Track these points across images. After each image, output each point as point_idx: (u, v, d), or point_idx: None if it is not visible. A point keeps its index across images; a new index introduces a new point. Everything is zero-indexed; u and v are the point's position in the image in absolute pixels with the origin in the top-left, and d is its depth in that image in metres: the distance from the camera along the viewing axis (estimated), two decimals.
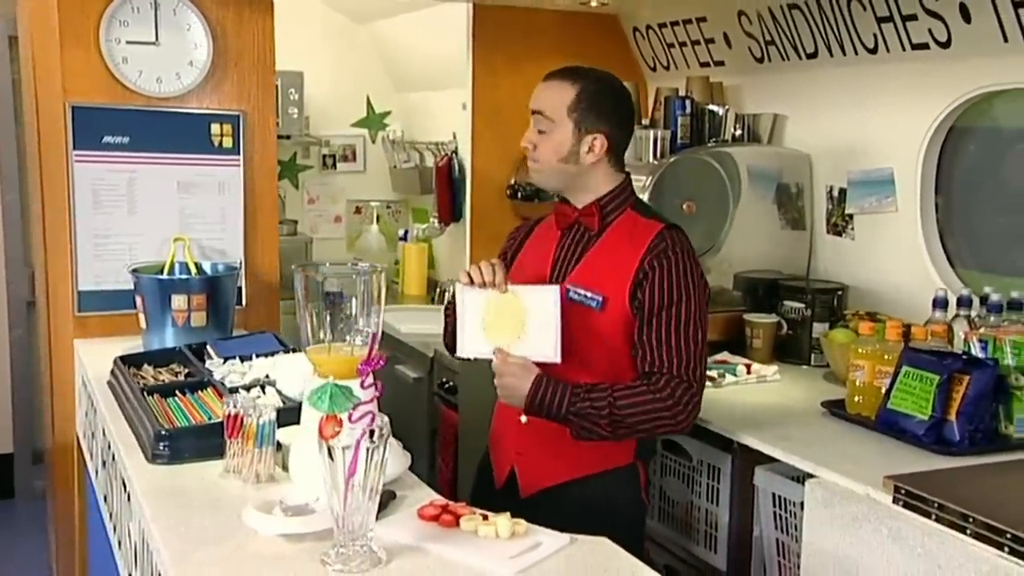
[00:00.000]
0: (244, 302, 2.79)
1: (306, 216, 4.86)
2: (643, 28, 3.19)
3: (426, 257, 4.73)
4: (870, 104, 2.54)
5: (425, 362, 3.60)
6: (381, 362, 1.35)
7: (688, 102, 2.73)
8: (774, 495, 2.12)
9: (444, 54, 4.12)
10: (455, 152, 4.45)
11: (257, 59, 2.80)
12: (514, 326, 1.84)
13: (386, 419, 1.37)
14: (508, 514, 1.48)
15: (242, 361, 2.15)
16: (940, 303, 2.19)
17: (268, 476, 1.66)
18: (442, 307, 4.37)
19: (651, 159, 2.70)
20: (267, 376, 2.03)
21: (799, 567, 1.89)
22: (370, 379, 1.32)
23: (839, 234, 2.67)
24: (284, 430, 1.72)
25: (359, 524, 1.37)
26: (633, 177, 2.74)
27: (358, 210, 5.03)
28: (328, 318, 1.64)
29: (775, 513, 2.13)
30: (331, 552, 1.37)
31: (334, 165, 4.94)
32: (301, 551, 1.39)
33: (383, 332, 1.73)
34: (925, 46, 2.33)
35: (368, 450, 1.34)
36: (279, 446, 1.71)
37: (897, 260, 2.52)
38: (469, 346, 1.89)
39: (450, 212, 4.49)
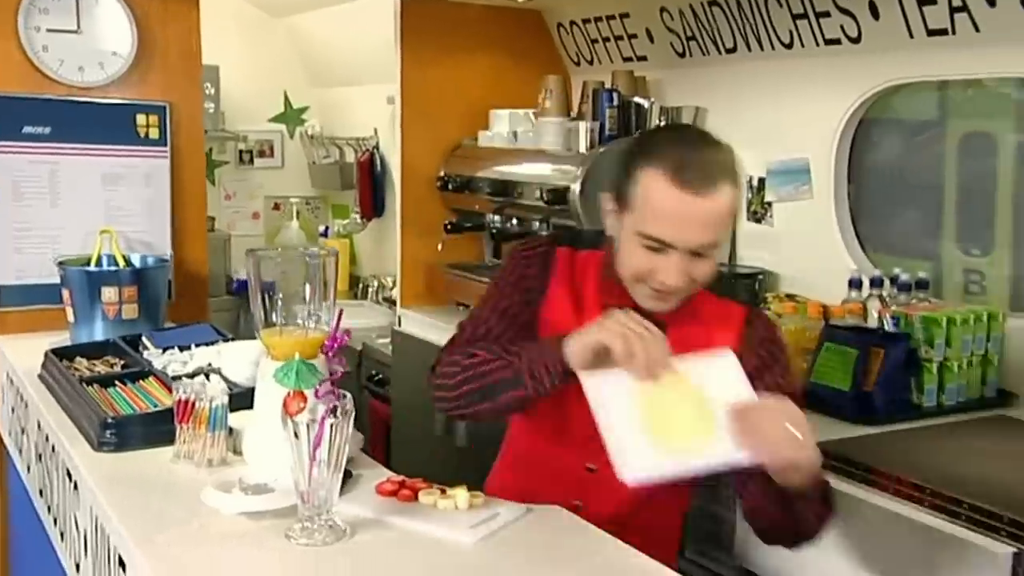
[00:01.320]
0: (173, 296, 2.74)
1: (223, 213, 4.78)
2: (567, 23, 3.27)
3: (348, 253, 4.71)
4: (787, 96, 2.67)
5: (353, 356, 3.61)
6: (346, 338, 1.37)
7: (615, 94, 2.81)
8: None
9: (364, 49, 4.12)
10: (376, 147, 4.46)
11: (183, 50, 2.76)
12: (697, 420, 1.25)
13: (349, 396, 1.39)
14: (465, 487, 1.52)
15: (181, 351, 2.13)
16: (855, 284, 2.33)
17: (221, 460, 1.66)
18: (364, 302, 4.47)
19: (581, 150, 2.77)
20: (210, 364, 2.01)
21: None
22: (336, 354, 1.34)
23: (759, 221, 2.79)
24: (234, 415, 1.72)
25: (323, 499, 1.39)
26: (564, 168, 2.85)
27: (276, 206, 4.98)
28: (279, 302, 1.65)
29: None
30: (295, 527, 1.38)
31: (251, 161, 4.88)
32: (264, 528, 1.40)
33: None
34: (837, 41, 2.47)
35: (332, 426, 1.37)
36: (230, 431, 1.71)
37: (814, 245, 2.66)
38: (636, 463, 1.23)
39: (372, 207, 4.50)
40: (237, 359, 1.91)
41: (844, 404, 2.07)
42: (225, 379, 1.90)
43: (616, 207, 1.47)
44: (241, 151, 4.84)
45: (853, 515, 1.69)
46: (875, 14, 2.34)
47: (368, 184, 4.48)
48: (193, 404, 1.66)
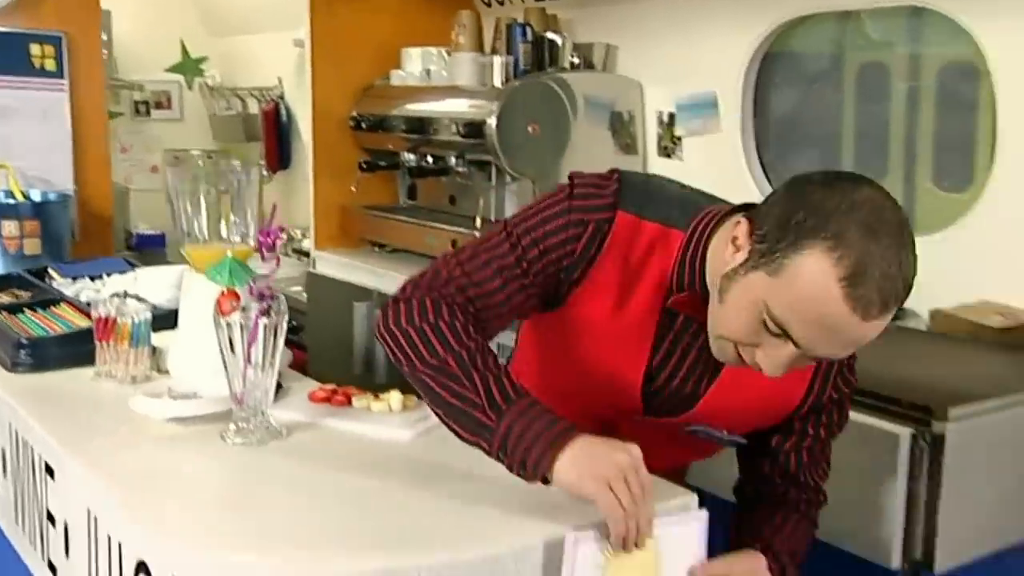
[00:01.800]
0: (76, 235, 2.65)
1: (119, 166, 4.57)
2: None
3: (220, 215, 4.60)
4: (694, 32, 2.74)
5: None
6: (279, 234, 1.36)
7: (528, 29, 2.83)
8: None
9: None
10: (281, 97, 4.36)
11: None
12: None
13: (282, 296, 1.38)
14: (399, 389, 1.53)
15: (93, 280, 2.06)
16: None
17: (144, 377, 1.63)
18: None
19: (497, 84, 2.79)
20: (125, 292, 1.95)
21: None
22: (270, 252, 1.33)
23: (669, 156, 2.87)
24: (157, 335, 1.68)
25: (258, 400, 1.38)
26: (480, 103, 2.86)
27: (176, 159, 4.82)
28: (203, 214, 1.62)
29: None
30: (230, 428, 1.37)
31: (147, 112, 4.71)
32: (197, 432, 1.39)
33: None
34: None
35: (266, 326, 1.36)
36: (153, 350, 1.67)
37: (722, 177, 2.74)
38: None
39: (278, 159, 4.40)
40: (156, 282, 1.87)
41: None
42: (144, 302, 1.85)
43: (751, 246, 1.11)
44: (137, 102, 4.67)
45: None
46: None
47: (274, 135, 4.38)
48: (114, 321, 1.61)
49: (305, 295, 3.29)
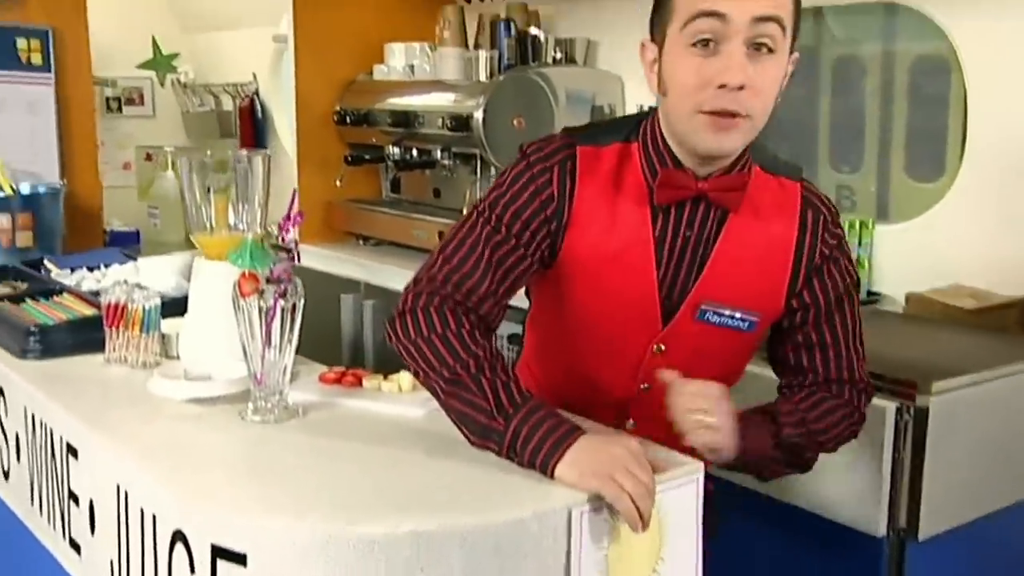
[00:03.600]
0: (64, 229, 2.65)
1: None
2: None
3: (227, 204, 4.60)
4: None
5: None
6: (300, 218, 1.39)
7: (512, 24, 2.89)
8: None
9: None
10: (256, 93, 4.37)
11: None
12: (648, 556, 1.18)
13: (300, 280, 1.42)
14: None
15: (91, 271, 2.07)
16: None
17: (155, 363, 1.65)
18: None
19: (482, 78, 2.84)
20: (126, 281, 1.97)
21: None
22: (291, 235, 1.37)
23: None
24: (165, 322, 1.71)
25: (277, 381, 1.42)
26: (465, 97, 2.90)
27: (149, 157, 4.79)
28: (212, 204, 1.66)
29: None
30: (249, 407, 1.41)
31: (119, 109, 4.68)
32: (216, 411, 1.42)
33: None
34: None
35: (283, 307, 1.40)
36: (162, 337, 1.70)
37: None
38: None
39: None
40: (159, 271, 1.89)
41: None
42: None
43: (658, 44, 1.25)
44: (108, 98, 4.63)
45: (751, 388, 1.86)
46: None
47: (250, 132, 4.38)
48: (124, 307, 1.64)
49: None
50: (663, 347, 1.33)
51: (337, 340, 2.98)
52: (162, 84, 4.75)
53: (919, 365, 1.78)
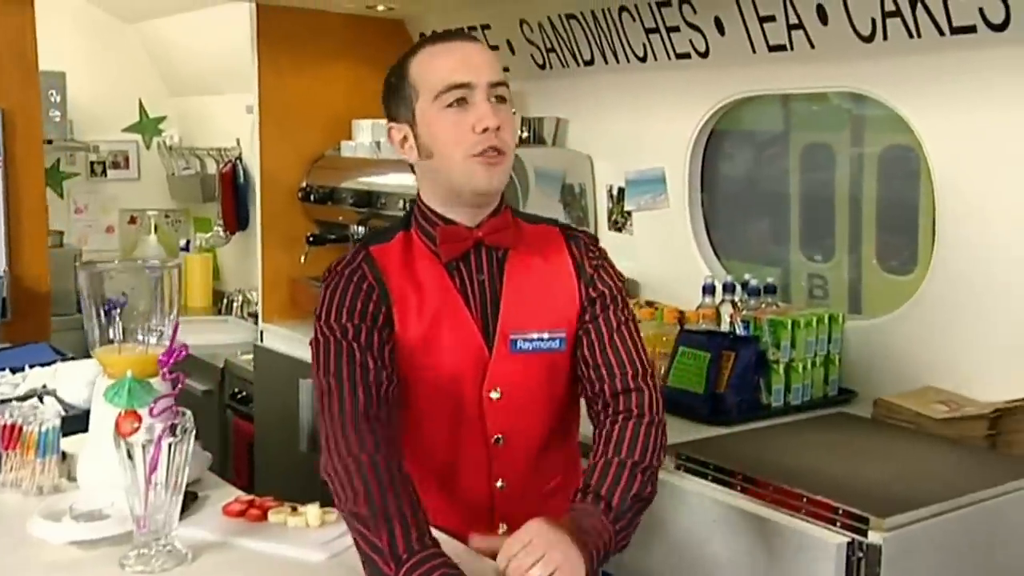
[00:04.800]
0: (8, 315, 2.58)
1: (74, 227, 4.54)
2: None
3: (211, 267, 4.55)
4: (643, 108, 2.74)
5: (215, 373, 3.48)
6: (183, 352, 1.31)
7: None
8: None
9: (223, 57, 4.00)
10: (239, 158, 4.33)
11: (16, 52, 2.60)
12: None
13: (189, 413, 1.33)
14: (318, 503, 1.48)
15: (13, 373, 1.99)
16: (708, 289, 2.40)
17: (52, 488, 1.56)
18: (228, 318, 4.32)
19: None
20: (44, 386, 1.89)
21: None
22: (171, 371, 1.28)
23: (619, 230, 2.85)
24: (69, 439, 1.62)
25: (161, 523, 1.32)
26: None
27: (133, 220, 4.76)
28: (117, 318, 1.57)
29: None
30: (131, 554, 1.31)
31: (104, 172, 4.66)
32: (98, 556, 1.33)
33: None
34: (687, 55, 2.55)
35: (170, 445, 1.30)
36: (64, 456, 1.61)
37: (671, 253, 2.73)
38: None
39: (235, 220, 4.36)
40: (74, 380, 1.81)
41: (698, 406, 2.12)
42: (61, 401, 1.79)
43: (407, 122, 1.45)
44: (93, 162, 4.61)
45: (703, 510, 1.74)
46: (721, 30, 2.43)
47: (231, 196, 4.34)
48: (20, 429, 1.55)
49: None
50: (498, 390, 1.45)
51: (295, 424, 2.89)
52: (148, 147, 4.73)
53: (875, 491, 1.66)
